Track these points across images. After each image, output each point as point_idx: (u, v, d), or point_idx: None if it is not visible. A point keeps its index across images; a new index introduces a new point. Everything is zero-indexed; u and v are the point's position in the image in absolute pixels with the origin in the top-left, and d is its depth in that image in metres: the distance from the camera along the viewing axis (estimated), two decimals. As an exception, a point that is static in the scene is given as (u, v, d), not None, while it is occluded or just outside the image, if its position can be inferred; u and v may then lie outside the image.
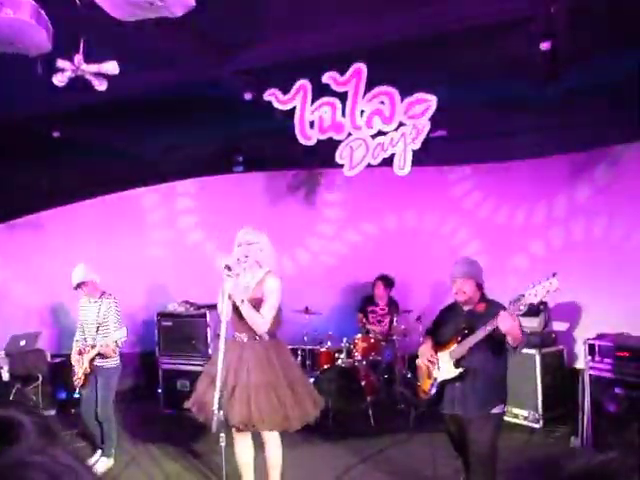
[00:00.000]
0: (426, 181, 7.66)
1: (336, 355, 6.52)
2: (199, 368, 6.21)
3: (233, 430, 4.05)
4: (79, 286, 5.24)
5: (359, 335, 6.71)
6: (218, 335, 3.64)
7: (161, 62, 4.90)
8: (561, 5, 3.96)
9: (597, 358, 5.21)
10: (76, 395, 5.46)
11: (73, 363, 5.33)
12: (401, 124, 5.25)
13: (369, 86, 5.15)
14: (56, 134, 6.25)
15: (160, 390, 7.02)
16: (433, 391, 3.96)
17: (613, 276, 6.39)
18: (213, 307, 6.43)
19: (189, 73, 5.18)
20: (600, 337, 5.33)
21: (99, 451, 5.32)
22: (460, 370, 3.78)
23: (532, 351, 5.87)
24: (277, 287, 4.03)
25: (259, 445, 4.21)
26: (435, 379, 3.96)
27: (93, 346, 5.18)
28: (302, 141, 5.56)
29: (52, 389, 6.92)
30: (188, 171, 8.52)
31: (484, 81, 5.31)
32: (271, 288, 4.01)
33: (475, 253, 7.23)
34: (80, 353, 5.28)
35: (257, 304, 3.97)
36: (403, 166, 5.33)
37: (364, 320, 7.32)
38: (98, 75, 3.64)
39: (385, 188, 7.61)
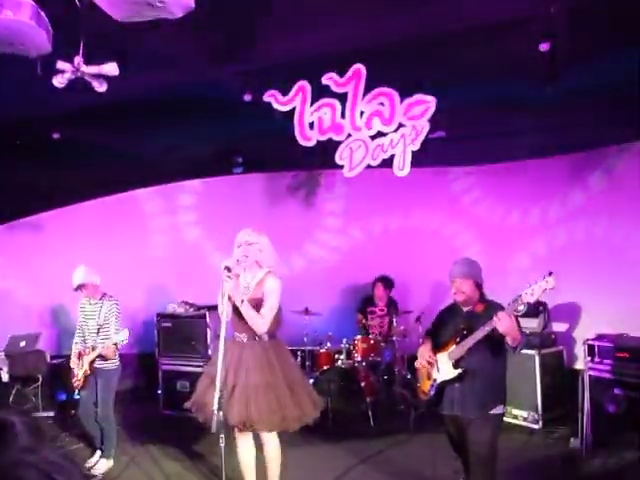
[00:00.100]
0: (426, 182, 7.67)
1: (336, 356, 6.53)
2: (199, 369, 6.22)
3: (235, 430, 4.05)
4: (79, 288, 5.24)
5: (359, 336, 6.71)
6: (218, 336, 3.64)
7: (161, 63, 4.90)
8: (561, 5, 3.97)
9: (597, 359, 5.21)
10: (76, 396, 5.46)
11: (72, 365, 5.33)
12: (400, 125, 5.26)
13: (369, 87, 5.16)
14: (56, 135, 6.26)
15: (160, 391, 7.02)
16: (432, 392, 3.96)
17: (613, 277, 6.39)
18: (213, 308, 6.44)
19: (189, 74, 5.19)
20: (600, 338, 5.33)
21: (99, 452, 5.32)
22: (459, 371, 3.78)
23: (532, 352, 5.87)
24: (277, 287, 4.03)
25: (259, 445, 4.21)
26: (434, 380, 3.96)
27: (93, 348, 5.18)
28: (302, 142, 5.57)
29: (52, 390, 6.92)
30: (188, 172, 8.53)
31: (484, 81, 5.31)
32: (271, 288, 4.01)
33: (475, 253, 7.22)
34: (79, 355, 5.27)
35: (257, 304, 3.97)
36: (403, 167, 5.34)
37: (364, 321, 7.32)
38: (98, 76, 3.64)
39: (385, 189, 7.62)
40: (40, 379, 6.82)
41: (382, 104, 5.26)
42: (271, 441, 4.10)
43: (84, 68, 3.58)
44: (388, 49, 4.72)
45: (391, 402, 6.63)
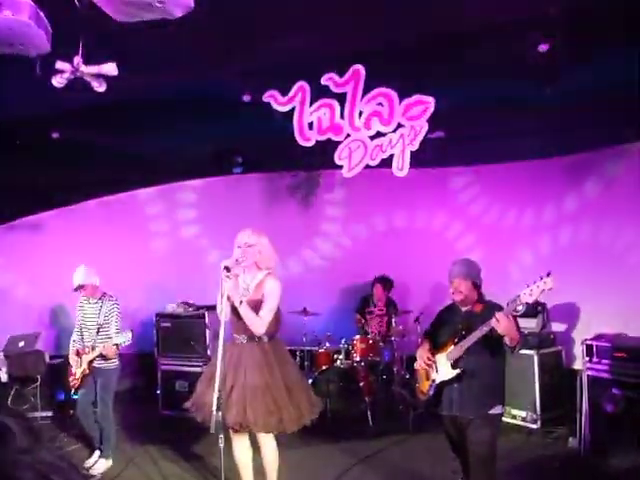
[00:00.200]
0: (425, 182, 7.67)
1: (335, 356, 6.53)
2: (198, 369, 6.23)
3: (230, 431, 4.05)
4: (79, 288, 5.24)
5: (357, 336, 6.71)
6: (217, 336, 3.64)
7: (160, 63, 4.90)
8: (561, 5, 3.97)
9: (595, 359, 5.21)
10: (75, 396, 5.45)
11: (71, 364, 5.32)
12: (399, 125, 5.27)
13: (368, 87, 5.17)
14: (55, 135, 6.27)
15: (159, 391, 7.01)
16: (431, 392, 3.97)
17: (612, 277, 6.39)
18: (212, 308, 6.43)
19: (188, 74, 5.19)
20: (598, 338, 5.34)
21: (97, 452, 5.31)
22: (457, 371, 3.79)
23: (530, 352, 5.88)
24: (277, 289, 4.03)
25: (256, 447, 4.21)
26: (433, 380, 3.96)
27: (93, 347, 5.17)
28: (301, 142, 5.58)
29: (51, 390, 6.91)
30: (187, 172, 8.52)
31: (484, 82, 5.32)
32: (271, 290, 4.01)
33: (474, 253, 7.24)
34: (78, 354, 5.26)
35: (257, 305, 3.97)
36: (402, 167, 5.35)
37: (362, 321, 7.32)
38: (97, 76, 3.64)
39: (384, 189, 7.62)
40: (39, 379, 6.81)
41: (381, 104, 5.27)
42: (268, 443, 4.10)
43: (83, 68, 3.58)
44: (388, 50, 4.72)
45: (390, 402, 6.63)
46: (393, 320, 6.95)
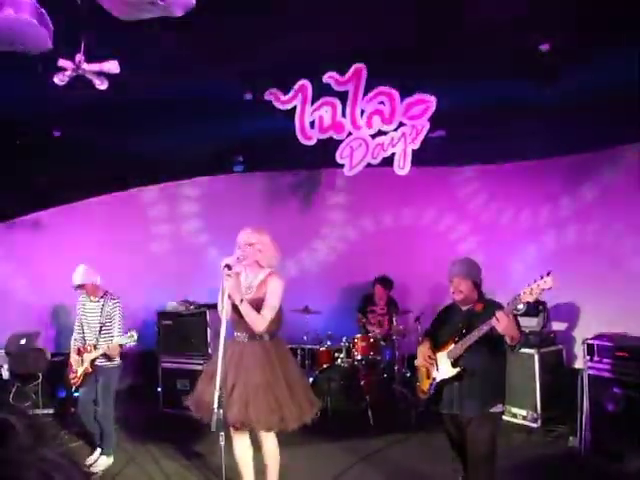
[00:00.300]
0: (426, 181, 7.67)
1: (335, 354, 6.53)
2: (199, 367, 6.23)
3: (231, 429, 4.06)
4: (79, 287, 5.25)
5: (359, 335, 6.72)
6: (218, 334, 3.65)
7: (162, 62, 4.90)
8: (561, 6, 3.97)
9: (596, 358, 5.22)
10: (76, 394, 5.46)
11: (71, 362, 5.33)
12: (401, 124, 5.27)
13: (369, 86, 5.17)
14: (57, 134, 6.27)
15: (160, 389, 7.02)
16: (432, 391, 3.98)
17: (613, 276, 6.39)
18: (213, 306, 6.44)
19: (189, 73, 5.19)
20: (599, 337, 5.34)
21: (98, 450, 5.32)
22: (458, 370, 3.79)
23: (531, 351, 5.88)
24: (279, 287, 4.04)
25: (257, 445, 4.22)
26: (434, 379, 3.97)
27: (95, 346, 5.18)
28: (302, 141, 5.58)
29: (52, 388, 6.92)
30: (189, 171, 8.53)
31: (484, 82, 5.32)
32: (273, 288, 4.02)
33: (475, 253, 7.24)
34: (79, 352, 5.27)
35: (260, 304, 3.97)
36: (403, 166, 5.35)
37: (363, 320, 7.33)
38: (99, 74, 3.65)
39: (385, 188, 7.62)
40: (40, 377, 6.83)
41: (382, 103, 5.27)
42: (269, 441, 4.11)
43: (85, 66, 3.58)
44: (388, 49, 4.72)
45: (391, 401, 6.64)
46: (394, 319, 6.96)
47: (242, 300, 3.90)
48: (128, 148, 7.11)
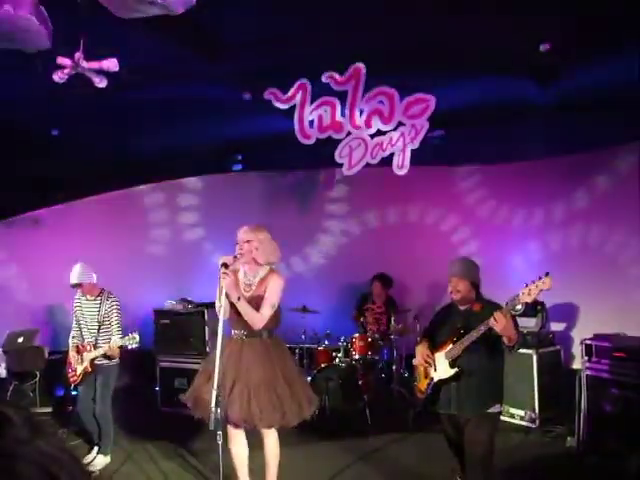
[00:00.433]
0: (426, 180, 7.67)
1: (334, 354, 6.53)
2: (197, 366, 6.19)
3: (229, 427, 4.06)
4: (75, 287, 5.23)
5: (357, 334, 6.71)
6: (216, 332, 3.65)
7: (161, 61, 4.90)
8: (561, 6, 3.97)
9: (594, 358, 5.22)
10: (74, 392, 5.45)
11: (70, 360, 5.32)
12: (400, 124, 5.27)
13: (368, 86, 5.17)
14: (55, 133, 6.26)
15: (158, 388, 7.01)
16: (429, 391, 3.98)
17: (611, 277, 6.40)
18: (211, 305, 6.43)
19: (189, 72, 5.19)
20: (597, 337, 5.34)
21: (96, 448, 5.32)
22: (456, 370, 3.79)
23: (529, 351, 5.88)
24: (279, 286, 4.04)
25: (254, 443, 4.21)
26: (432, 379, 3.97)
27: (95, 345, 5.17)
28: (301, 140, 5.58)
29: (50, 386, 6.91)
30: (188, 170, 8.53)
31: (484, 82, 5.32)
32: (273, 286, 4.02)
33: (474, 253, 7.25)
34: (78, 350, 5.26)
35: (259, 302, 3.98)
36: (402, 165, 5.35)
37: (361, 319, 7.32)
38: (98, 72, 3.64)
39: (384, 187, 7.62)
40: (38, 375, 6.81)
41: (382, 102, 5.27)
42: (271, 436, 4.12)
43: (84, 64, 3.57)
44: (388, 49, 4.72)
45: (389, 400, 6.64)
46: (392, 318, 6.95)
47: (239, 298, 3.90)
48: (128, 146, 7.11)
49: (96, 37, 3.53)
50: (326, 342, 6.71)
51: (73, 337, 5.38)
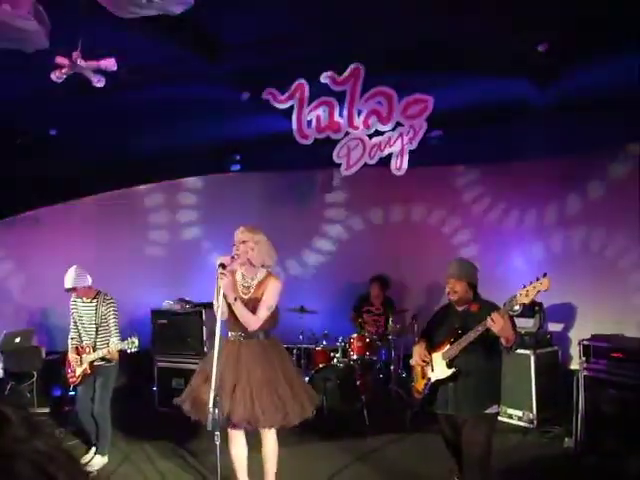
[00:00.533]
0: (424, 181, 7.67)
1: (332, 354, 6.53)
2: (194, 366, 6.19)
3: (229, 429, 4.05)
4: (70, 291, 5.19)
5: (355, 334, 6.71)
6: (214, 333, 3.64)
7: (159, 61, 4.90)
8: (561, 7, 3.98)
9: (592, 359, 5.22)
10: (71, 393, 5.43)
11: (70, 361, 5.30)
12: (398, 124, 5.27)
13: (367, 86, 5.17)
14: (53, 133, 6.25)
15: (155, 388, 7.01)
16: (426, 391, 3.98)
17: (609, 278, 6.41)
18: (209, 305, 6.42)
19: (187, 72, 5.18)
20: (595, 338, 5.34)
21: (93, 448, 5.31)
22: (453, 370, 3.80)
23: (527, 351, 5.88)
24: (277, 289, 4.05)
25: (253, 444, 4.21)
26: (429, 379, 3.97)
27: (94, 347, 5.16)
28: (299, 140, 5.57)
29: (47, 386, 6.90)
30: (186, 170, 8.52)
31: (483, 82, 5.32)
32: (271, 289, 4.03)
33: (472, 253, 7.26)
34: (78, 351, 5.24)
35: (256, 304, 3.99)
36: (400, 166, 5.36)
37: (359, 320, 7.32)
38: (96, 72, 3.63)
39: (383, 188, 7.62)
40: (35, 375, 6.80)
41: (380, 103, 5.27)
42: (270, 436, 4.12)
43: (82, 63, 3.57)
44: (387, 50, 4.73)
45: (386, 401, 6.64)
46: (390, 319, 6.95)
47: (236, 299, 3.91)
48: (127, 146, 7.10)
49: (95, 37, 3.53)
50: (324, 342, 6.71)
51: (72, 338, 5.37)
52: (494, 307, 3.70)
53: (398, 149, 5.31)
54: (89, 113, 5.68)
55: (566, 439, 5.32)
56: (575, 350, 5.88)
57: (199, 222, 8.77)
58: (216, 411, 3.37)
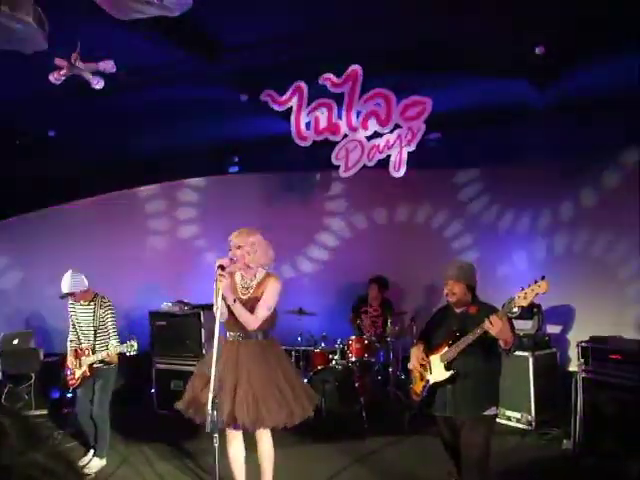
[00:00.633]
0: (423, 182, 7.68)
1: (330, 356, 6.52)
2: (193, 368, 6.19)
3: (227, 430, 4.05)
4: (67, 296, 5.17)
5: (353, 336, 6.71)
6: (213, 335, 3.64)
7: (158, 63, 4.90)
8: (561, 8, 3.98)
9: (590, 361, 5.22)
10: (69, 395, 5.42)
11: (69, 364, 5.29)
12: (397, 126, 5.27)
13: (366, 87, 5.17)
14: (51, 134, 6.25)
15: (154, 390, 7.00)
16: (425, 393, 3.97)
17: (607, 279, 6.41)
18: (207, 307, 6.42)
19: (186, 74, 5.18)
20: (593, 340, 5.35)
21: (92, 451, 5.30)
22: (451, 372, 3.79)
23: (525, 353, 5.88)
24: (276, 289, 4.05)
25: (252, 444, 4.20)
26: (427, 381, 3.97)
27: (93, 349, 5.15)
28: (298, 142, 5.58)
29: (45, 389, 6.89)
30: (185, 171, 8.52)
31: (483, 83, 5.33)
32: (270, 289, 4.04)
33: (471, 255, 7.26)
34: (76, 354, 5.23)
35: (256, 304, 3.99)
36: (399, 168, 5.36)
37: (357, 321, 7.32)
38: (95, 73, 3.63)
39: (382, 190, 7.62)
40: (33, 377, 6.79)
41: (379, 105, 5.28)
42: (265, 441, 4.11)
43: (81, 65, 3.57)
44: (387, 51, 4.73)
45: (385, 403, 6.63)
46: (389, 321, 6.95)
47: (235, 300, 3.91)
48: (126, 147, 7.10)
49: (94, 38, 3.53)
50: (322, 344, 6.71)
51: (71, 341, 5.36)
52: (492, 309, 3.69)
53: (396, 151, 5.31)
54: (89, 114, 5.68)
55: (564, 441, 5.32)
56: (573, 352, 5.88)
57: (198, 223, 8.76)
58: (214, 413, 3.36)
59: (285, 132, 5.58)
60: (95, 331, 5.19)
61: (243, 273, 4.13)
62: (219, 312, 3.70)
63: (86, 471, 5.07)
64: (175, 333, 6.89)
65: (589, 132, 6.12)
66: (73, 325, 5.34)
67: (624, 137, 6.17)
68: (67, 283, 5.07)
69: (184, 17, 3.10)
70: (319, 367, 6.42)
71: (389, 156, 5.38)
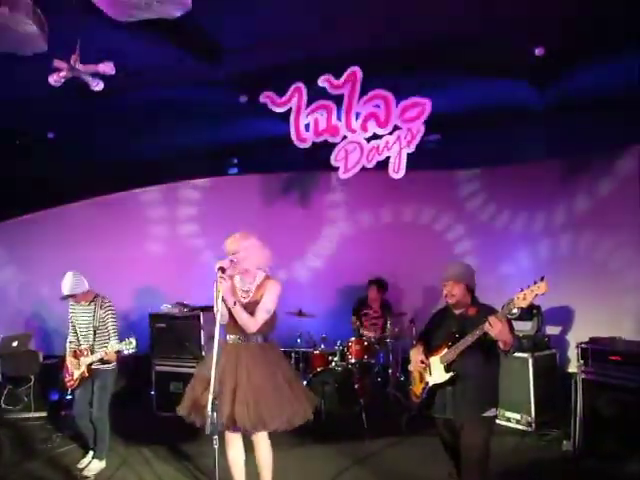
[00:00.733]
0: (422, 184, 7.68)
1: (330, 358, 6.52)
2: (192, 370, 6.19)
3: (226, 432, 4.04)
4: (68, 297, 5.16)
5: (353, 338, 6.70)
6: (212, 337, 3.63)
7: (158, 65, 4.90)
8: (561, 8, 3.98)
9: (590, 362, 5.22)
10: (68, 397, 5.41)
11: (68, 365, 5.28)
12: (396, 127, 5.28)
13: (365, 88, 5.18)
14: (51, 135, 6.25)
15: (153, 392, 6.99)
16: (424, 395, 3.97)
17: (606, 280, 6.41)
18: (207, 309, 6.42)
19: (186, 75, 5.19)
20: (593, 341, 5.34)
21: (91, 453, 5.29)
22: (451, 374, 3.79)
23: (525, 355, 5.88)
24: (275, 292, 4.04)
25: (248, 444, 4.20)
26: (427, 383, 3.96)
27: (92, 350, 5.14)
28: (297, 143, 5.58)
29: (44, 391, 6.88)
30: (185, 173, 8.52)
31: (483, 84, 5.33)
32: (270, 292, 4.03)
33: (471, 256, 7.27)
34: (75, 355, 5.23)
35: (256, 307, 3.99)
36: (398, 169, 5.36)
37: (358, 323, 7.32)
38: (94, 75, 3.64)
39: (380, 191, 7.63)
40: (32, 379, 6.78)
41: (378, 106, 5.28)
42: (263, 442, 4.10)
43: (80, 67, 3.57)
44: (386, 52, 4.73)
45: (385, 404, 6.63)
46: (388, 322, 6.95)
47: (235, 303, 3.90)
48: (126, 149, 7.11)
49: (93, 40, 3.53)
50: (322, 346, 6.71)
51: (70, 342, 5.36)
52: (492, 310, 3.69)
53: (396, 152, 5.31)
54: (89, 115, 5.69)
55: (564, 442, 5.32)
56: (573, 353, 5.87)
57: (198, 225, 8.75)
58: (214, 415, 3.35)
59: (284, 134, 5.58)
60: (94, 332, 5.18)
61: (242, 276, 4.12)
62: (219, 315, 3.70)
63: (86, 473, 5.06)
64: (175, 335, 6.88)
65: (589, 132, 6.12)
66: (73, 326, 5.34)
67: (624, 137, 6.17)
68: (68, 285, 5.07)
69: (183, 19, 3.10)
70: (319, 369, 6.42)
71: (388, 157, 5.38)
